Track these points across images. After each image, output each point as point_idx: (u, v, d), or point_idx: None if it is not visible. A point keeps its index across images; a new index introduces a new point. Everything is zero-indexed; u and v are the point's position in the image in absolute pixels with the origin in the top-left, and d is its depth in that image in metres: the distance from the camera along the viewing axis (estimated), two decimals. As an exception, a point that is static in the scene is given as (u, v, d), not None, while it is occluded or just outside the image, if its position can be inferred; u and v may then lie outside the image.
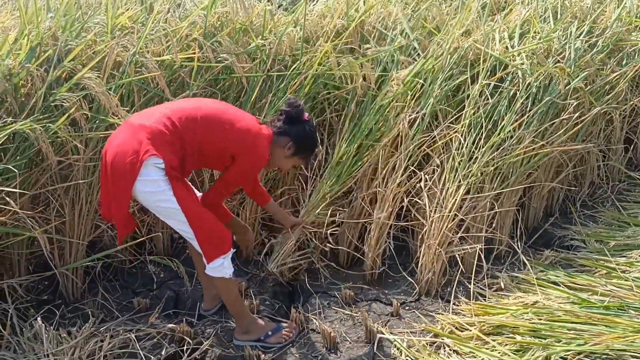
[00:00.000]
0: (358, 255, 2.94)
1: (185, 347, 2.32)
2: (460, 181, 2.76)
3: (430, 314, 2.58)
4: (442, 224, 2.69)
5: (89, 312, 2.54)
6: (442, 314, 2.54)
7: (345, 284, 2.83)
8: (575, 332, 2.25)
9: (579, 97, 3.10)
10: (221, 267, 2.23)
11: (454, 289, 2.65)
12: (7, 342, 2.27)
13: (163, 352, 2.32)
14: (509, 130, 2.87)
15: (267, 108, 2.93)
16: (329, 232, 2.81)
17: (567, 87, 3.01)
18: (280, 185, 3.09)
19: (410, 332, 2.45)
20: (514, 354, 2.19)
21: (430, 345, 2.34)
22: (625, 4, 3.62)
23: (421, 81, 3.02)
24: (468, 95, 2.97)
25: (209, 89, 2.98)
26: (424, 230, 2.75)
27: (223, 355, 2.35)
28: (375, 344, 2.37)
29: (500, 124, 2.89)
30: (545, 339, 2.24)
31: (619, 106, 3.48)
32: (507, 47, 3.15)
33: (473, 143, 2.85)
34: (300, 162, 2.45)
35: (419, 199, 2.83)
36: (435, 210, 2.74)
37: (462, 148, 2.83)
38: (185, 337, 2.37)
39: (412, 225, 2.96)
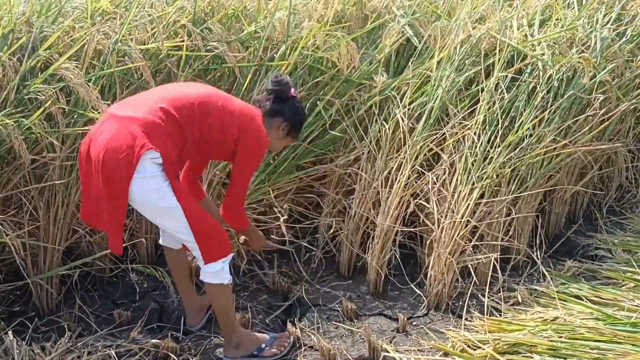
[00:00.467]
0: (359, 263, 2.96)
1: (170, 365, 2.34)
2: (473, 184, 2.76)
3: (440, 330, 2.59)
4: (454, 230, 2.69)
5: (65, 326, 2.55)
6: (452, 330, 2.55)
7: (347, 296, 2.84)
8: (599, 351, 2.25)
9: (605, 91, 3.10)
10: (220, 272, 2.25)
11: (466, 302, 2.66)
12: (-25, 358, 2.29)
13: (146, 370, 2.34)
14: (528, 128, 2.87)
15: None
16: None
17: (592, 81, 3.00)
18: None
19: (418, 350, 2.46)
20: (531, 374, 2.20)
21: (439, 364, 2.36)
22: (658, -13, 3.62)
23: (427, 72, 3.03)
24: (482, 89, 2.98)
25: (198, 81, 2.98)
26: (433, 237, 2.76)
27: (211, 373, 2.37)
28: (379, 363, 2.38)
29: (518, 120, 2.90)
30: (565, 358, 2.24)
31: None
32: (525, 36, 3.15)
33: (488, 142, 2.85)
34: (291, 141, 2.51)
35: (427, 203, 2.83)
36: (446, 215, 2.75)
37: (475, 147, 2.83)
38: (170, 354, 2.38)
39: (421, 231, 2.97)
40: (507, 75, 2.99)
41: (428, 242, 2.87)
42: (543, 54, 3.05)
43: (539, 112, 2.92)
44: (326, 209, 3.12)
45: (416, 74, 3.04)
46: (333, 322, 2.67)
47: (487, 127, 2.89)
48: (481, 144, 2.83)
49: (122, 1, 2.99)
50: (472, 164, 2.81)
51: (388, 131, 2.94)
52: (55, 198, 2.60)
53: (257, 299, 2.84)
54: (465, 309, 2.63)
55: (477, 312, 2.65)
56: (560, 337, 2.34)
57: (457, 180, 2.81)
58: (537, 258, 2.86)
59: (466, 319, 2.60)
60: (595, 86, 3.03)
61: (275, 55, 3.06)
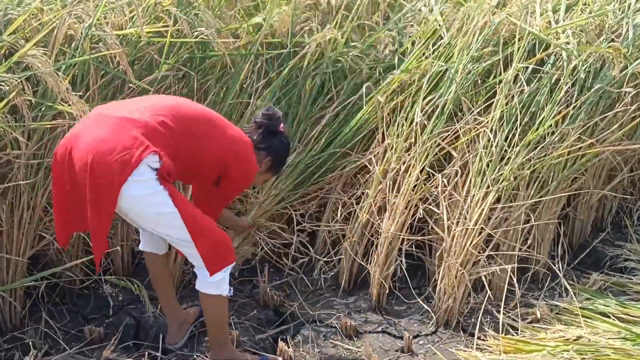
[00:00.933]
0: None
1: (146, 388, 2.34)
2: (488, 187, 2.77)
3: (450, 350, 2.59)
4: (466, 239, 2.70)
5: (30, 343, 2.54)
6: (464, 351, 2.55)
7: (346, 311, 2.83)
8: (627, 375, 2.26)
9: (637, 85, 3.10)
10: (221, 282, 2.28)
11: (479, 319, 2.65)
12: None
13: (119, 393, 2.34)
14: (550, 125, 2.87)
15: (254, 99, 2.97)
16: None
17: (622, 73, 3.00)
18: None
19: (424, 372, 2.47)
20: (551, 401, 2.20)
21: (448, 389, 2.36)
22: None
23: (441, 63, 3.03)
24: (500, 81, 2.98)
25: (182, 72, 2.99)
26: (444, 246, 2.76)
27: (193, 397, 2.37)
28: (381, 387, 2.39)
29: (540, 116, 2.90)
30: (589, 383, 2.25)
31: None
32: (549, 23, 3.15)
33: (505, 140, 2.85)
34: (271, 176, 2.66)
35: (437, 207, 2.83)
36: (458, 222, 2.75)
37: (491, 146, 2.83)
38: (147, 375, 2.39)
39: (429, 240, 2.97)
40: (527, 67, 3.00)
41: (438, 251, 2.87)
42: (568, 43, 3.04)
43: (562, 107, 2.92)
44: (327, 213, 3.12)
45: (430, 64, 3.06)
46: (330, 341, 2.67)
47: (504, 123, 2.89)
48: (497, 142, 2.83)
49: (96, -19, 2.99)
50: (488, 165, 2.81)
51: (405, 127, 2.95)
52: (20, 200, 2.60)
53: (245, 314, 2.84)
54: (478, 326, 2.62)
55: (492, 330, 2.65)
56: (584, 358, 2.34)
57: (470, 182, 2.81)
58: (559, 270, 2.85)
59: (479, 338, 2.60)
60: (627, 79, 3.02)
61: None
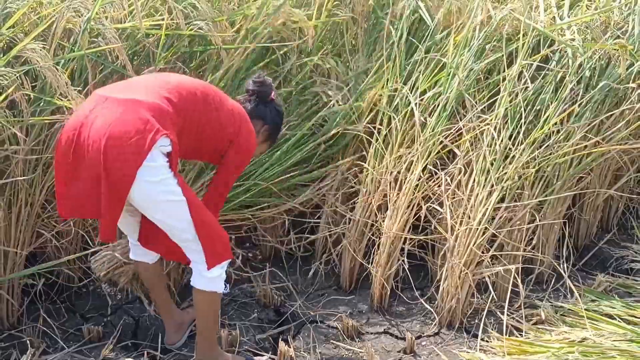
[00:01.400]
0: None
1: (145, 387, 2.35)
2: (492, 186, 2.77)
3: (453, 351, 2.60)
4: (469, 239, 2.70)
5: (28, 341, 2.55)
6: (467, 352, 2.56)
7: (347, 311, 2.85)
8: (632, 377, 2.27)
9: (644, 82, 3.11)
10: (218, 279, 2.29)
11: (482, 320, 2.66)
12: None
13: (118, 393, 2.35)
14: (555, 123, 2.88)
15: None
16: None
17: (629, 70, 3.01)
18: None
19: (427, 373, 2.48)
20: (555, 403, 2.21)
21: (450, 390, 2.37)
22: None
23: (442, 59, 3.04)
24: (504, 78, 2.98)
25: (178, 64, 3.00)
26: (447, 246, 2.77)
27: (192, 397, 2.38)
28: (383, 388, 2.40)
29: (544, 115, 2.90)
30: (594, 384, 2.26)
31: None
32: (554, 19, 3.16)
33: (509, 138, 2.86)
34: (268, 147, 2.63)
35: (440, 207, 2.84)
36: (461, 221, 2.75)
37: (495, 144, 2.84)
38: (145, 375, 2.40)
39: (432, 239, 2.97)
40: (531, 63, 3.00)
41: (441, 251, 2.88)
42: (573, 40, 3.05)
43: (567, 105, 2.92)
44: (326, 215, 3.13)
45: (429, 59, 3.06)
46: (331, 341, 2.68)
47: (508, 121, 2.89)
48: (501, 140, 2.84)
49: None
50: (491, 164, 2.81)
51: (398, 124, 2.95)
52: (18, 197, 2.60)
53: (246, 314, 2.85)
54: (481, 327, 2.63)
55: (495, 331, 2.65)
56: (589, 360, 2.35)
57: (474, 181, 2.81)
58: (564, 271, 2.86)
59: (482, 339, 2.60)
60: (633, 76, 3.03)
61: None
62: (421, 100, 3.00)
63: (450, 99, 2.96)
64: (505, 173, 2.79)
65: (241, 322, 2.78)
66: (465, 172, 2.87)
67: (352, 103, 3.09)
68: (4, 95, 2.43)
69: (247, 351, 2.59)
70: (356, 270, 3.03)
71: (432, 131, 2.92)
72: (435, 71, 3.07)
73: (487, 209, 2.72)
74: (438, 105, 2.96)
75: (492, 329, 2.67)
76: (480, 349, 2.56)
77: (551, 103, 2.93)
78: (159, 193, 2.12)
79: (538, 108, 2.95)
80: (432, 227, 2.90)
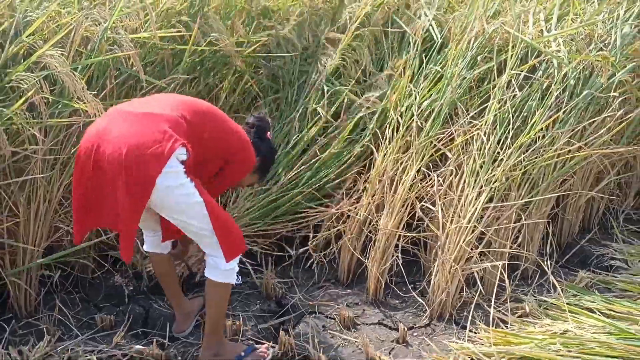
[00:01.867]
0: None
1: (154, 373, 2.34)
2: (481, 187, 2.76)
3: (443, 341, 2.59)
4: (459, 236, 2.69)
5: (44, 329, 2.54)
6: (456, 342, 2.55)
7: (344, 303, 2.83)
8: (610, 367, 2.25)
9: (624, 91, 3.10)
10: (232, 271, 2.29)
11: (471, 313, 2.65)
12: (-53, 361, 2.29)
13: (128, 378, 2.34)
14: (541, 129, 2.87)
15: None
16: None
17: (610, 80, 3.00)
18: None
19: (418, 362, 2.46)
20: (538, 391, 2.19)
21: (440, 378, 2.36)
22: (686, -18, 3.61)
23: (440, 70, 3.04)
24: (494, 86, 2.98)
25: (192, 75, 3.01)
26: (438, 243, 2.76)
27: (198, 383, 2.36)
28: (377, 375, 2.38)
29: (531, 121, 2.89)
30: (574, 375, 2.24)
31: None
32: (541, 31, 3.15)
33: (498, 142, 2.85)
34: (256, 180, 2.66)
35: (432, 206, 2.83)
36: (452, 220, 2.74)
37: (484, 148, 2.83)
38: (154, 361, 2.38)
39: (425, 237, 2.97)
40: (520, 73, 3.00)
41: (432, 248, 2.87)
42: (559, 51, 3.05)
43: (552, 112, 2.92)
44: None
45: (430, 70, 3.07)
46: (329, 331, 2.67)
47: (497, 127, 2.89)
48: (490, 145, 2.83)
49: (112, -14, 2.99)
50: (481, 166, 2.80)
51: (401, 129, 2.95)
52: (37, 193, 2.59)
53: (249, 305, 2.84)
54: (469, 319, 2.62)
55: (483, 323, 2.64)
56: (570, 351, 2.34)
57: (464, 182, 2.81)
58: (548, 267, 2.85)
59: (471, 331, 2.60)
60: (614, 86, 3.02)
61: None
62: (419, 107, 2.99)
63: (444, 105, 2.95)
64: (494, 175, 2.79)
65: (244, 312, 2.77)
66: (457, 174, 2.87)
67: (384, 104, 3.10)
68: (24, 99, 2.42)
69: (250, 340, 2.59)
70: (353, 265, 3.02)
71: (427, 135, 2.91)
72: (435, 80, 3.07)
73: (476, 208, 2.72)
74: (433, 111, 2.95)
75: (479, 321, 2.66)
76: (468, 340, 2.56)
77: (537, 110, 2.93)
78: (179, 196, 2.11)
79: (525, 114, 2.94)
80: (425, 225, 2.89)
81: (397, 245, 2.86)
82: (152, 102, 2.22)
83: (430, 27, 3.24)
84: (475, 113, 2.98)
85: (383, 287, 2.88)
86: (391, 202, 2.85)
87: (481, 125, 2.89)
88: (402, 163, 2.92)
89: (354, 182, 3.11)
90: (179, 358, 2.48)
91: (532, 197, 2.87)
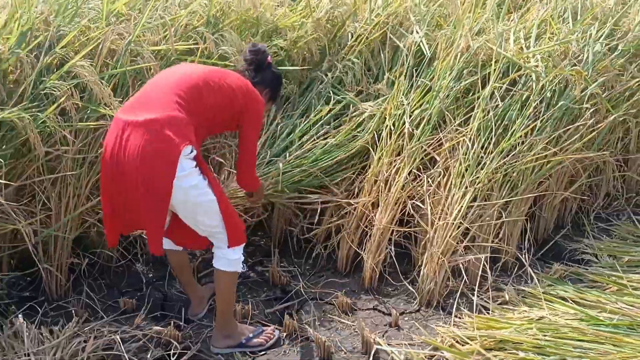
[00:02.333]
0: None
1: (171, 352, 2.36)
2: (466, 187, 2.79)
3: (431, 325, 2.61)
4: (447, 231, 2.72)
5: (73, 311, 2.58)
6: (442, 327, 2.56)
7: (343, 291, 2.87)
8: (581, 350, 2.27)
9: (595, 103, 3.12)
10: (238, 261, 2.31)
11: (456, 300, 2.67)
12: (-14, 339, 2.31)
13: (149, 356, 2.36)
14: (520, 136, 2.90)
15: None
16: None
17: (583, 93, 3.03)
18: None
19: (409, 344, 2.48)
20: (516, 370, 2.22)
21: (429, 358, 2.37)
22: (651, 6, 3.64)
23: (426, 81, 3.06)
24: (478, 97, 3.00)
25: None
26: (427, 237, 2.78)
27: (211, 361, 2.39)
28: (372, 356, 2.39)
29: (512, 128, 2.92)
30: (549, 356, 2.26)
31: (639, 112, 3.50)
32: (521, 48, 3.18)
33: (482, 148, 2.88)
34: (272, 106, 2.55)
35: (422, 204, 2.86)
36: (440, 217, 2.77)
37: (469, 153, 2.85)
38: (172, 341, 2.41)
39: (415, 231, 2.99)
40: (502, 85, 3.02)
41: (422, 242, 2.89)
42: (537, 66, 3.07)
43: (531, 121, 2.94)
44: (330, 208, 3.14)
45: (420, 83, 3.10)
46: (328, 316, 2.69)
47: (481, 134, 2.91)
48: (475, 150, 2.85)
49: (137, 4, 3.02)
50: (466, 169, 2.83)
51: (394, 135, 2.97)
52: (67, 189, 2.63)
53: (257, 292, 2.87)
54: (455, 306, 2.64)
55: (467, 309, 2.66)
56: (545, 335, 2.36)
57: (451, 183, 2.83)
58: (526, 260, 2.87)
59: (456, 316, 2.61)
60: (586, 98, 3.05)
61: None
62: (411, 115, 3.02)
63: (433, 114, 2.98)
64: (478, 177, 2.81)
65: (253, 298, 2.80)
66: (444, 176, 2.89)
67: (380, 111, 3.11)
68: (56, 104, 2.45)
69: (258, 323, 2.62)
70: (351, 256, 3.04)
71: (418, 141, 2.93)
72: (425, 91, 3.10)
73: (461, 206, 2.74)
74: (423, 119, 2.98)
75: (464, 308, 2.68)
76: (453, 324, 2.57)
77: (517, 119, 2.95)
78: (194, 197, 2.13)
79: (506, 123, 2.96)
80: (416, 221, 2.91)
81: (390, 239, 2.89)
82: (151, 100, 2.13)
83: (421, 43, 3.26)
84: (462, 121, 2.99)
85: (378, 276, 2.90)
86: (385, 200, 2.87)
87: (467, 132, 2.92)
88: (395, 165, 2.94)
89: (352, 182, 3.13)
90: (194, 338, 2.51)
91: (512, 197, 2.90)
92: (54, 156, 2.59)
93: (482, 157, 2.86)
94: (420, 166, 2.97)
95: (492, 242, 2.84)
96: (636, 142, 3.68)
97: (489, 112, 2.94)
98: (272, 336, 2.47)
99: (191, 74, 2.21)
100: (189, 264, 2.67)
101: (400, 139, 2.99)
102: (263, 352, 2.43)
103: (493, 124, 2.92)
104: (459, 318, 2.61)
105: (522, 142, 2.91)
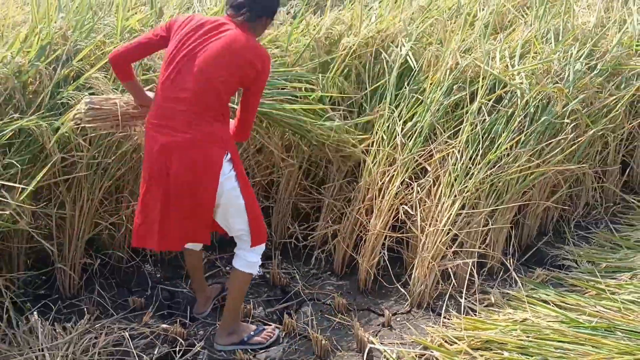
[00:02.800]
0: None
1: (177, 348, 2.35)
2: (455, 196, 2.78)
3: (421, 326, 2.61)
4: (436, 237, 2.71)
5: (85, 309, 2.56)
6: (432, 327, 2.56)
7: (339, 292, 2.85)
8: (562, 351, 2.27)
9: (576, 118, 3.12)
10: (255, 264, 2.32)
11: (445, 302, 2.67)
12: (3, 334, 2.28)
13: (155, 352, 2.34)
14: (506, 148, 2.89)
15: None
16: None
17: (564, 109, 3.03)
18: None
19: (400, 343, 2.47)
20: (501, 369, 2.21)
21: (419, 357, 2.36)
22: (627, 28, 3.65)
23: (420, 97, 3.06)
24: (466, 112, 3.00)
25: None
26: (418, 242, 2.77)
27: (215, 357, 2.36)
28: (366, 354, 2.38)
29: (498, 141, 2.91)
30: (532, 356, 2.26)
31: (616, 127, 3.50)
32: (507, 66, 3.18)
33: (470, 159, 2.87)
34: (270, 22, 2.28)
35: (414, 211, 2.85)
36: (430, 223, 2.76)
37: (458, 163, 2.85)
38: (178, 338, 2.39)
39: (407, 237, 2.98)
40: (489, 101, 3.02)
41: (413, 247, 2.89)
42: (522, 83, 3.07)
43: (516, 134, 2.94)
44: (324, 212, 3.13)
45: (410, 97, 3.08)
46: (326, 316, 2.68)
47: (469, 146, 2.90)
48: (463, 161, 2.85)
49: (149, 21, 3.01)
50: (455, 179, 2.82)
51: (386, 147, 2.96)
52: (81, 194, 2.61)
53: (258, 292, 2.85)
54: (444, 308, 2.64)
55: (455, 311, 2.66)
56: (528, 336, 2.36)
57: (441, 192, 2.82)
58: (510, 265, 2.87)
59: (445, 317, 2.61)
60: (567, 113, 3.05)
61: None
62: (403, 128, 3.01)
63: (425, 126, 2.97)
64: (466, 186, 2.80)
65: (254, 298, 2.78)
66: (435, 185, 2.88)
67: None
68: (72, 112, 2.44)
69: (259, 321, 2.60)
70: (347, 260, 3.03)
71: (410, 152, 2.93)
72: (416, 105, 3.09)
73: (450, 214, 2.74)
74: (415, 131, 2.98)
75: (452, 309, 2.68)
76: (442, 325, 2.57)
77: (503, 132, 2.94)
78: (235, 198, 2.17)
79: (493, 136, 2.95)
80: (407, 227, 2.91)
81: (383, 244, 2.88)
82: (172, 110, 2.08)
83: (408, 58, 3.24)
84: (451, 134, 2.99)
85: (372, 278, 2.89)
86: (379, 207, 2.87)
87: (456, 144, 2.91)
88: (388, 174, 2.94)
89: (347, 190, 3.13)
90: (198, 335, 2.49)
91: (497, 205, 2.89)
92: (69, 162, 2.57)
93: (470, 167, 2.86)
94: (412, 175, 2.96)
95: (479, 247, 2.84)
96: (614, 155, 3.69)
97: (476, 125, 2.94)
98: (272, 335, 2.45)
99: (190, 67, 2.07)
100: (202, 265, 2.67)
101: (393, 150, 2.98)
102: (263, 350, 2.41)
103: (480, 136, 2.91)
104: (448, 319, 2.60)
105: (508, 154, 2.91)
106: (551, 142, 3.01)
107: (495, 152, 2.88)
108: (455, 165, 2.86)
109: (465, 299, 2.68)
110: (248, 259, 2.28)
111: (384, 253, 2.88)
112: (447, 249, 2.74)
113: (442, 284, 2.82)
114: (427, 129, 2.98)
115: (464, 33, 3.25)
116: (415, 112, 3.05)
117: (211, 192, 2.11)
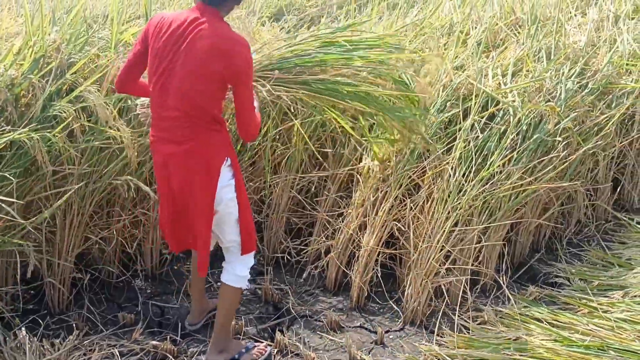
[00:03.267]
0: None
1: (167, 365, 2.32)
2: (448, 213, 2.79)
3: (414, 344, 2.60)
4: (430, 254, 2.71)
5: (74, 325, 2.53)
6: (425, 345, 2.55)
7: (331, 309, 2.84)
8: (556, 369, 2.27)
9: (568, 136, 3.16)
10: (244, 278, 2.30)
11: (438, 319, 2.66)
12: (-11, 350, 2.26)
13: (145, 369, 2.32)
14: (499, 166, 2.91)
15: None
16: None
17: (556, 126, 3.06)
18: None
19: (393, 361, 2.47)
20: (494, 388, 2.20)
21: (412, 375, 2.35)
22: (618, 47, 3.72)
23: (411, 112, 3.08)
24: (459, 129, 3.02)
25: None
26: (411, 259, 2.77)
27: (205, 375, 2.35)
28: (358, 372, 2.38)
29: (490, 158, 2.93)
30: (525, 374, 2.26)
31: (607, 145, 3.53)
32: (499, 84, 3.21)
33: (463, 176, 2.88)
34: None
35: (407, 228, 2.85)
36: (423, 240, 2.76)
37: (451, 180, 2.86)
38: (168, 355, 2.37)
39: (400, 253, 2.98)
40: (481, 118, 3.04)
41: (407, 263, 2.88)
42: (514, 101, 3.10)
43: (508, 152, 2.95)
44: (317, 228, 3.13)
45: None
46: (318, 333, 2.67)
47: (462, 163, 2.92)
48: (456, 177, 2.86)
49: (143, 34, 3.02)
50: (448, 195, 2.83)
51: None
52: (72, 207, 2.60)
53: (250, 308, 2.83)
54: (437, 325, 2.64)
55: (448, 328, 2.65)
56: (522, 355, 2.35)
57: (434, 209, 2.83)
58: (503, 282, 2.87)
59: (438, 335, 2.60)
60: (559, 131, 3.08)
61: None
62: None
63: (418, 144, 2.99)
64: (459, 203, 2.81)
65: (246, 315, 2.76)
66: (428, 201, 2.88)
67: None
68: (62, 125, 2.43)
69: (250, 338, 2.58)
70: (339, 276, 3.02)
71: (403, 168, 2.94)
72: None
73: (444, 230, 2.74)
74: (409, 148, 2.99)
75: (445, 327, 2.67)
76: (435, 343, 2.56)
77: (496, 150, 2.96)
78: (232, 208, 2.18)
79: (485, 153, 2.96)
80: (401, 243, 2.91)
81: (377, 260, 2.87)
82: (167, 123, 2.09)
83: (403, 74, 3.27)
84: (444, 150, 3.01)
85: (365, 295, 2.89)
86: (372, 223, 2.87)
87: (449, 161, 2.92)
88: (382, 191, 2.95)
89: (340, 206, 3.13)
90: (189, 352, 2.47)
91: (490, 222, 2.90)
92: (61, 176, 2.55)
93: (463, 184, 2.87)
94: (406, 192, 2.97)
95: (472, 264, 2.84)
96: (605, 173, 3.73)
97: (469, 142, 2.96)
98: (264, 352, 2.43)
99: (171, 82, 2.03)
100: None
101: (387, 166, 2.99)
102: (255, 367, 2.39)
103: (473, 154, 2.93)
104: (441, 337, 2.60)
105: (500, 172, 2.92)
106: (543, 160, 3.03)
107: (488, 169, 2.89)
108: (448, 181, 2.86)
109: (458, 316, 2.68)
110: (237, 272, 2.27)
111: (377, 269, 2.87)
112: (440, 265, 2.74)
113: (435, 301, 2.81)
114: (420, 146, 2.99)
115: (457, 50, 3.28)
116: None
117: (209, 199, 2.12)
